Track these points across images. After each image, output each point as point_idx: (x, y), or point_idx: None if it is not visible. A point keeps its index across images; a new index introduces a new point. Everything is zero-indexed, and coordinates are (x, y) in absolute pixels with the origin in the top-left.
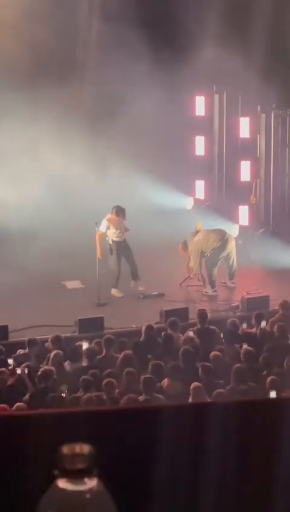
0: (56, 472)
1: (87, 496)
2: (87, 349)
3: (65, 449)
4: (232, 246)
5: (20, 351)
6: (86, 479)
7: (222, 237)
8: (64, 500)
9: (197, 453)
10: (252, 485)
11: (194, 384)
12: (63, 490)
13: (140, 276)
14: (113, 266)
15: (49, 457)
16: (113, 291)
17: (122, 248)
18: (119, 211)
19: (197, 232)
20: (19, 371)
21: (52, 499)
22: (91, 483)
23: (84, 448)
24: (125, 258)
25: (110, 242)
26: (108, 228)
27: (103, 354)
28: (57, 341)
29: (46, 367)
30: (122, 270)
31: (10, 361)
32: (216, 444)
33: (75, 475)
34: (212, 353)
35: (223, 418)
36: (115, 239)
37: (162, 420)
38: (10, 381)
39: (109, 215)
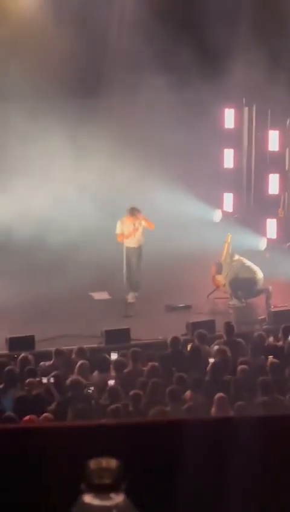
0: (83, 486)
1: (114, 511)
2: (116, 360)
3: (92, 463)
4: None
5: (47, 362)
6: (112, 495)
7: (257, 276)
8: None
9: (222, 467)
10: (276, 500)
11: (218, 395)
12: (89, 505)
13: (139, 289)
14: (124, 271)
15: (75, 471)
16: (129, 296)
17: (133, 255)
18: (132, 210)
19: (230, 250)
20: (45, 380)
21: None
22: (118, 498)
23: (112, 463)
24: (133, 266)
25: (124, 247)
26: (122, 230)
27: (130, 366)
28: (81, 353)
29: (74, 377)
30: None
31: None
32: (241, 459)
33: (102, 490)
34: (240, 367)
35: (248, 433)
36: (126, 245)
37: (187, 434)
38: (37, 391)
39: (123, 218)
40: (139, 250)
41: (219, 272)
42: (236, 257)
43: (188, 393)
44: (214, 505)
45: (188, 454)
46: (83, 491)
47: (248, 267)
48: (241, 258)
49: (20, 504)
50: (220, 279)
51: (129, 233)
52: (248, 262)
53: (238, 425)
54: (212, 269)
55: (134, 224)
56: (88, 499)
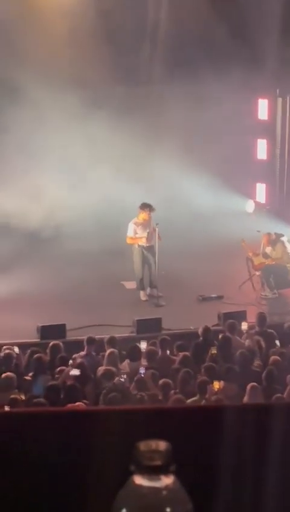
0: (132, 468)
1: (164, 492)
2: (147, 350)
3: (142, 445)
4: None
5: (81, 353)
6: (162, 476)
7: None
8: (141, 497)
9: (260, 451)
10: None
11: (251, 384)
12: (140, 487)
13: (157, 285)
14: (136, 270)
15: (124, 453)
16: (141, 294)
17: (147, 254)
18: (143, 206)
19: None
20: (74, 372)
21: (128, 495)
22: (168, 480)
23: (161, 445)
24: (148, 265)
25: (136, 246)
26: (135, 233)
27: (160, 354)
28: (112, 342)
29: (106, 367)
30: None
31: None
32: (279, 444)
33: (152, 472)
34: (272, 358)
35: (285, 419)
36: (140, 243)
37: (226, 419)
38: (69, 381)
39: (134, 219)
40: (153, 249)
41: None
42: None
43: (220, 383)
44: (256, 488)
45: (233, 438)
46: (133, 473)
47: (288, 256)
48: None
49: (69, 486)
50: (258, 261)
51: (142, 238)
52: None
53: (279, 412)
54: (266, 239)
55: (147, 229)
56: (138, 480)
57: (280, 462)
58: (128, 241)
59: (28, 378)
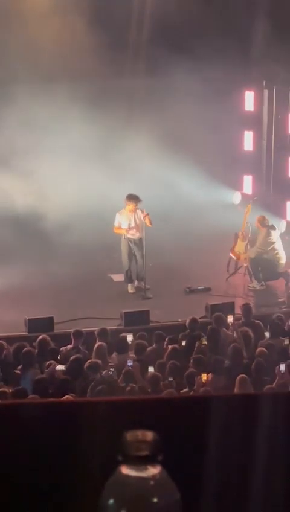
0: (120, 458)
1: (151, 482)
2: (136, 343)
3: (129, 435)
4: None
5: (68, 346)
6: (149, 466)
7: (280, 259)
8: (128, 486)
9: (247, 439)
10: None
11: (241, 376)
12: (127, 476)
13: (144, 278)
14: (124, 262)
15: (111, 443)
16: (129, 287)
17: (134, 246)
18: (129, 197)
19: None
20: (59, 367)
21: (116, 484)
22: (155, 470)
23: (148, 435)
24: (135, 258)
25: (123, 238)
26: (120, 223)
27: (150, 347)
28: (103, 334)
29: (92, 360)
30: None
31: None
32: (266, 434)
33: (139, 461)
34: (259, 349)
35: (272, 409)
36: (127, 236)
37: (212, 408)
38: (57, 374)
39: (121, 210)
40: (141, 242)
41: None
42: (272, 236)
43: (208, 375)
44: (243, 478)
45: (220, 427)
46: (120, 463)
47: (273, 249)
48: (274, 238)
49: (57, 475)
50: (239, 249)
51: (128, 229)
52: (276, 245)
53: (262, 401)
54: (235, 240)
55: (135, 219)
56: (125, 470)
57: (267, 450)
58: (115, 231)
59: (18, 372)
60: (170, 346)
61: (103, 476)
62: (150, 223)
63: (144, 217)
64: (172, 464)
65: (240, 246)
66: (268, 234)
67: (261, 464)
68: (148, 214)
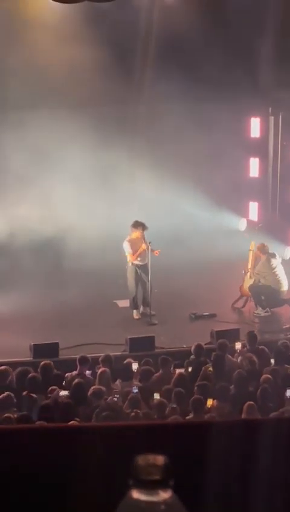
0: (130, 482)
1: (162, 507)
2: (142, 369)
3: (140, 460)
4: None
5: (73, 372)
6: (160, 491)
7: (281, 286)
8: (139, 511)
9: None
10: None
11: (248, 403)
12: (137, 501)
13: (150, 303)
14: (130, 288)
15: (122, 467)
16: (134, 313)
17: (141, 272)
18: (135, 225)
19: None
20: (63, 393)
21: (126, 508)
22: (165, 494)
23: (160, 459)
24: (142, 283)
25: (130, 264)
26: (131, 252)
27: (159, 372)
28: (107, 360)
29: (96, 386)
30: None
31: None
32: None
33: (150, 486)
34: (264, 376)
35: (275, 434)
36: (134, 262)
37: (215, 434)
38: (62, 400)
39: (128, 237)
40: (146, 267)
41: (249, 279)
42: (272, 263)
43: (213, 401)
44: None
45: (230, 453)
46: (131, 487)
47: (274, 276)
48: (274, 265)
49: (67, 501)
50: (247, 287)
51: (140, 253)
52: (278, 272)
53: (270, 427)
54: (243, 278)
55: (142, 243)
56: (136, 494)
57: (272, 474)
58: (132, 259)
59: (32, 395)
60: (177, 371)
61: (108, 500)
62: (157, 253)
63: (149, 249)
64: (183, 488)
65: (248, 283)
66: (268, 261)
67: (267, 488)
68: (150, 243)
